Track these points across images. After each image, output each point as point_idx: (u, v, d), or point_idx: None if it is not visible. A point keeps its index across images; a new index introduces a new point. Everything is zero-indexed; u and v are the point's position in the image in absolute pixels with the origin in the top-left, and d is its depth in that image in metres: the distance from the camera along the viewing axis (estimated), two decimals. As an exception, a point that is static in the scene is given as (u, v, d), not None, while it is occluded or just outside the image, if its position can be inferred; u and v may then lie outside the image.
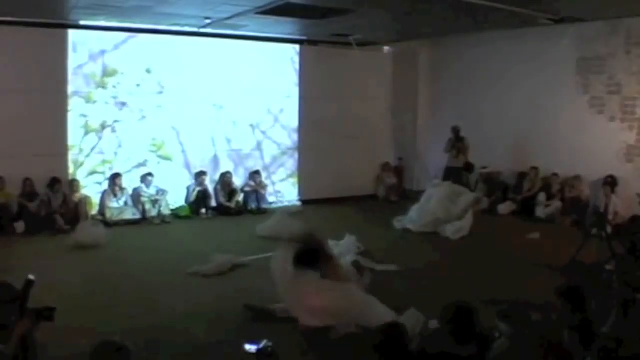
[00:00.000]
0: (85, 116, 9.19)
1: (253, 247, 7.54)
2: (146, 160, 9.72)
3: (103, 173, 9.37)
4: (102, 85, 9.30)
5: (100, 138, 9.32)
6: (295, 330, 4.50)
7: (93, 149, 9.29)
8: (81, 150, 9.21)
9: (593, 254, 6.35)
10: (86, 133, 9.23)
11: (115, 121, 9.43)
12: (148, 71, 9.64)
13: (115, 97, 9.40)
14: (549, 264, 6.55)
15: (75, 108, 9.10)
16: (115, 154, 9.47)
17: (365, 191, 11.59)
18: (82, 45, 9.08)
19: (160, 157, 9.89)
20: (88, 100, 9.19)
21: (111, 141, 9.43)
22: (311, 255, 4.25)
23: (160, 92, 9.76)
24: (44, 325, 4.21)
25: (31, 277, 3.32)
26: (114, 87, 9.39)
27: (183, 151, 10.08)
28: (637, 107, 8.84)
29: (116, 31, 9.32)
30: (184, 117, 9.96)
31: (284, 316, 4.94)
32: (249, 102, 10.53)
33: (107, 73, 9.31)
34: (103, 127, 9.33)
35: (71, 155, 9.12)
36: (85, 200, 8.94)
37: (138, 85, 9.57)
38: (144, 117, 9.67)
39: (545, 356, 3.08)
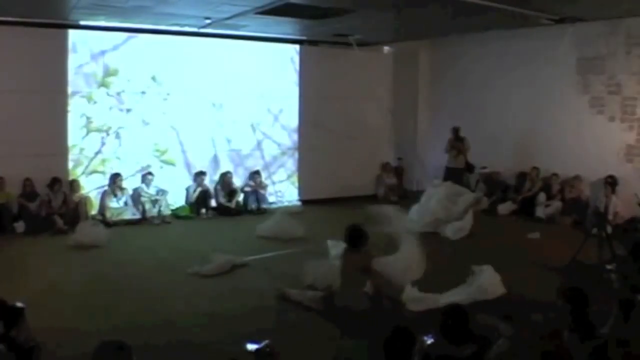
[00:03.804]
0: (86, 116, 9.19)
1: (253, 247, 7.55)
2: (149, 165, 9.71)
3: (103, 172, 9.37)
4: (104, 85, 9.29)
5: (103, 144, 9.32)
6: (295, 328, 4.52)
7: (96, 154, 9.30)
8: (81, 150, 9.21)
9: (593, 254, 6.35)
10: (87, 133, 9.23)
11: (120, 127, 9.44)
12: (154, 79, 9.66)
13: (114, 97, 9.40)
14: (549, 265, 6.51)
15: (75, 108, 9.11)
16: (118, 158, 9.47)
17: (365, 191, 11.58)
18: (82, 45, 9.09)
19: (163, 162, 9.90)
20: (89, 100, 9.19)
21: (114, 145, 9.43)
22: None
23: (164, 98, 9.77)
24: (45, 326, 4.23)
25: (20, 304, 3.29)
26: (112, 96, 9.37)
27: (183, 151, 10.08)
28: (637, 107, 8.85)
29: (116, 31, 9.33)
30: (184, 117, 9.96)
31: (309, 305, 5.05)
32: (249, 102, 10.53)
33: (108, 73, 9.31)
34: (107, 128, 9.33)
35: (71, 155, 9.12)
36: (85, 200, 8.94)
37: (143, 92, 9.59)
38: (147, 124, 9.67)
39: (544, 356, 3.08)
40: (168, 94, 9.80)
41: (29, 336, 3.23)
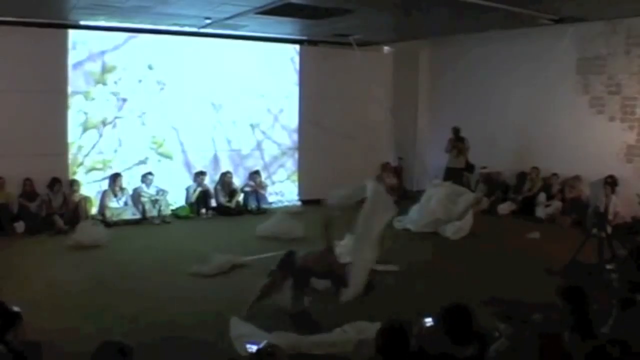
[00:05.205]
0: (84, 113, 9.18)
1: (253, 247, 7.55)
2: (147, 158, 9.73)
3: (102, 169, 9.36)
4: (102, 82, 9.29)
5: (100, 135, 9.33)
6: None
7: (94, 146, 9.30)
8: (80, 148, 9.19)
9: (593, 254, 6.35)
10: (84, 130, 9.22)
11: (117, 117, 9.43)
12: (150, 67, 9.65)
13: (116, 94, 9.40)
14: (549, 268, 6.49)
15: (73, 105, 9.10)
16: (115, 151, 9.47)
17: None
18: (82, 44, 9.09)
19: (160, 154, 9.90)
20: (87, 97, 9.19)
21: (111, 138, 9.42)
22: None
23: (162, 89, 9.77)
24: (45, 326, 4.23)
25: (17, 308, 3.28)
26: (115, 83, 9.38)
27: (183, 151, 10.08)
28: (637, 107, 8.85)
29: (116, 31, 9.32)
30: (184, 117, 9.96)
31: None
32: (249, 102, 10.53)
33: (106, 69, 9.31)
34: (104, 123, 9.33)
35: (70, 153, 9.11)
36: (85, 200, 8.94)
37: (140, 80, 9.58)
38: (143, 113, 9.66)
39: (544, 356, 3.07)
40: (165, 83, 9.76)
41: (24, 341, 3.24)
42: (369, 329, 4.13)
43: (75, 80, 9.06)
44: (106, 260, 6.94)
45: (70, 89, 9.02)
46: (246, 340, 4.06)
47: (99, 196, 9.27)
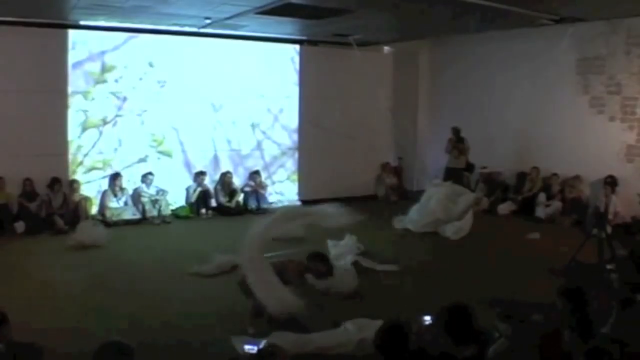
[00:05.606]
0: (84, 112, 9.17)
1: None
2: (147, 156, 9.73)
3: (102, 169, 9.36)
4: (102, 81, 9.28)
5: (100, 133, 9.31)
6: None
7: (94, 146, 9.29)
8: (79, 148, 9.18)
9: (593, 254, 6.35)
10: (84, 130, 9.21)
11: (117, 116, 9.42)
12: (150, 64, 9.65)
13: (116, 93, 9.38)
14: (552, 268, 6.48)
15: (73, 105, 9.09)
16: (115, 150, 9.46)
17: (365, 191, 11.58)
18: (82, 44, 9.09)
19: (160, 152, 9.89)
20: (86, 97, 9.18)
21: (111, 138, 9.40)
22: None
23: (162, 86, 9.76)
24: (45, 326, 4.23)
25: None
26: (116, 81, 9.38)
27: (183, 151, 10.08)
28: (637, 107, 8.85)
29: (116, 31, 9.32)
30: (184, 116, 9.96)
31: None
32: (249, 102, 10.53)
33: (106, 69, 9.31)
34: (104, 122, 9.32)
35: (69, 153, 9.10)
36: (85, 200, 8.94)
37: (140, 78, 9.58)
38: (144, 111, 9.64)
39: (544, 356, 3.08)
40: (165, 81, 9.75)
41: (16, 342, 3.25)
42: (370, 327, 4.13)
43: (75, 80, 9.07)
44: (106, 260, 6.95)
45: (70, 89, 9.02)
46: (246, 341, 4.07)
47: (99, 196, 9.27)
